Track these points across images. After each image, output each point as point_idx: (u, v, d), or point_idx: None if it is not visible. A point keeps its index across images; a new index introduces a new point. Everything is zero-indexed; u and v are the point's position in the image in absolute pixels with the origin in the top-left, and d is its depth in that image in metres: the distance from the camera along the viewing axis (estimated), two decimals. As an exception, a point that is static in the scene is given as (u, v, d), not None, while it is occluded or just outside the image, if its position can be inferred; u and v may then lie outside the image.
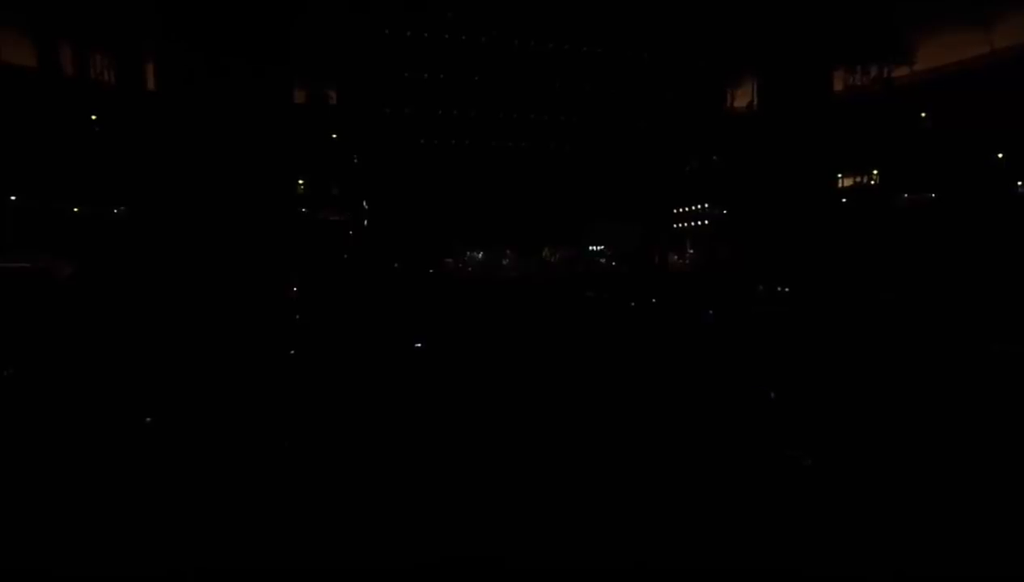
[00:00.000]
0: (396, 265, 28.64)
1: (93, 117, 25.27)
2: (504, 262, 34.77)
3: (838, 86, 29.66)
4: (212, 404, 7.42)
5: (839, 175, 30.30)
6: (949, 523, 4.41)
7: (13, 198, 23.44)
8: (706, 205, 34.88)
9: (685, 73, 31.24)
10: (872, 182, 29.69)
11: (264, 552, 4.15)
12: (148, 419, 6.60)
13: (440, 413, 7.17)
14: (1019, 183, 24.68)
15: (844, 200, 30.32)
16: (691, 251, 34.81)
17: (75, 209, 25.23)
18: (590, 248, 36.10)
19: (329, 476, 5.38)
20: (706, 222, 34.81)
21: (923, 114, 27.34)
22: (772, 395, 6.91)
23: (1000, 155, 24.86)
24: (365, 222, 30.51)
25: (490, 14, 27.44)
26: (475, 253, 34.91)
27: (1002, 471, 5.32)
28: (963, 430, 6.34)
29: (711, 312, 15.35)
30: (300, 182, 29.89)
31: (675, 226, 36.21)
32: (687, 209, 35.97)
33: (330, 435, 6.40)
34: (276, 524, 4.48)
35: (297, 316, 15.49)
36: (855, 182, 30.18)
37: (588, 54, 29.47)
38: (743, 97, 32.60)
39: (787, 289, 19.28)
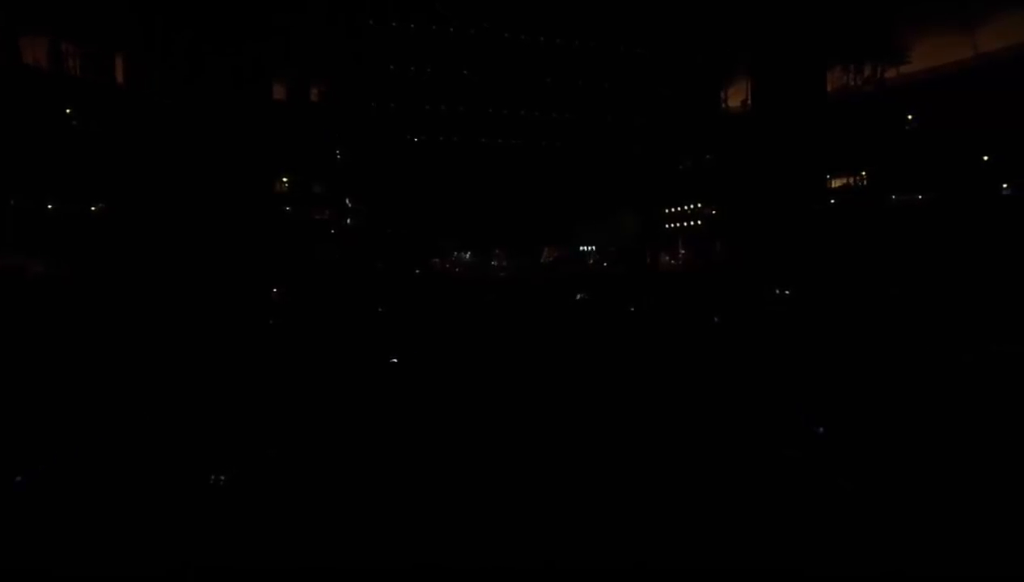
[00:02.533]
0: (379, 265, 28.12)
1: (67, 111, 24.60)
2: (493, 262, 34.44)
3: (831, 86, 29.73)
4: (179, 407, 7.26)
5: (831, 175, 30.36)
6: (949, 521, 4.40)
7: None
8: (699, 205, 34.73)
9: (680, 71, 31.05)
10: (863, 182, 29.73)
11: (231, 551, 4.12)
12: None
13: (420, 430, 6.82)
14: (1004, 185, 24.77)
15: (837, 200, 30.33)
16: (683, 251, 34.63)
17: (48, 206, 24.48)
18: (581, 248, 35.82)
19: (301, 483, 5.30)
20: (698, 222, 34.63)
21: (917, 114, 27.42)
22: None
23: (990, 156, 24.94)
24: (348, 221, 29.95)
25: (480, 6, 26.88)
26: (463, 253, 34.51)
27: (1001, 469, 5.30)
28: (960, 428, 6.36)
29: (716, 319, 15.08)
30: (284, 180, 29.39)
31: (667, 226, 36.00)
32: (679, 209, 35.76)
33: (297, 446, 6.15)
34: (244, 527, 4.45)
35: (271, 321, 15.24)
36: (848, 182, 30.23)
37: (581, 49, 28.94)
38: (737, 96, 32.57)
39: (786, 291, 19.22)
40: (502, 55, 28.16)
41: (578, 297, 20.97)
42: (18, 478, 5.53)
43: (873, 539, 4.20)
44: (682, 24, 29.30)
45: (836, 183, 30.54)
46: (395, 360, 10.44)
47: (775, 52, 29.33)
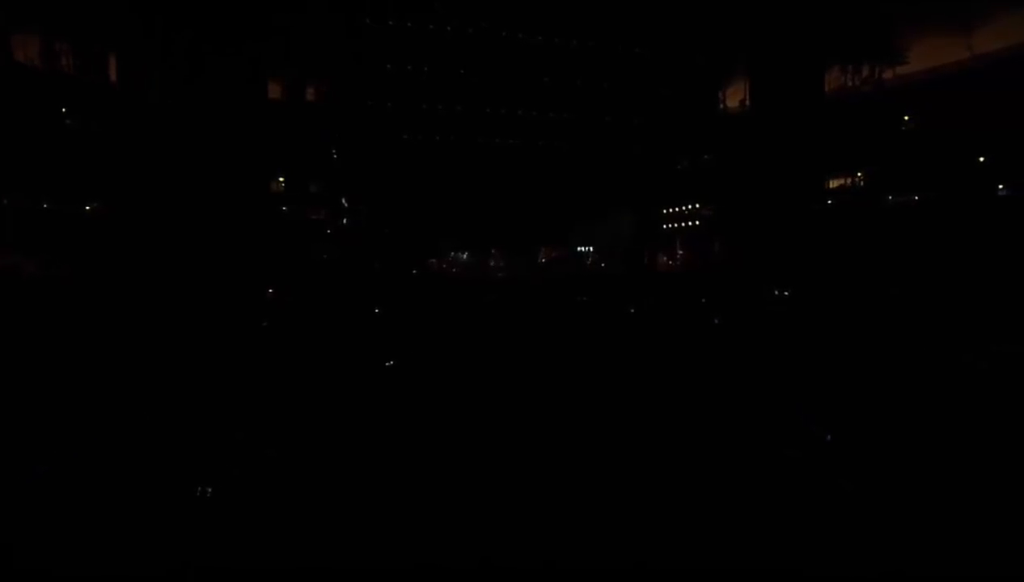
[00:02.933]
0: (376, 265, 28.04)
1: (62, 110, 24.52)
2: (491, 263, 34.36)
3: (829, 86, 29.77)
4: (177, 407, 7.19)
5: (830, 175, 30.43)
6: (949, 521, 4.39)
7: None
8: (696, 205, 34.76)
9: (678, 71, 30.97)
10: (861, 183, 29.80)
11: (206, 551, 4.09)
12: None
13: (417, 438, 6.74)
14: (1000, 186, 24.83)
15: (836, 200, 30.40)
16: (681, 252, 34.63)
17: (43, 206, 24.38)
18: (579, 249, 35.76)
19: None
20: (696, 222, 34.66)
21: (915, 115, 27.50)
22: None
23: (987, 157, 25.02)
24: (344, 221, 29.88)
25: (478, 4, 26.78)
26: (460, 253, 34.41)
27: (1001, 470, 5.30)
28: (960, 428, 6.39)
29: (716, 320, 15.05)
30: (281, 180, 29.31)
31: (665, 226, 36.01)
32: (677, 209, 35.78)
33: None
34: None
35: (268, 321, 15.13)
36: (846, 182, 30.31)
37: (579, 49, 28.77)
38: (735, 96, 32.58)
39: (785, 292, 19.21)
40: (500, 55, 28.09)
41: (581, 299, 20.92)
42: (18, 478, 5.50)
43: (873, 539, 4.19)
44: (681, 24, 29.25)
45: (834, 183, 30.64)
46: (391, 363, 10.29)
47: (773, 52, 29.37)
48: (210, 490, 4.84)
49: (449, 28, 26.86)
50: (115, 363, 9.63)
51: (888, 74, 28.06)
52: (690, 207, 35.22)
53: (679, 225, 35.58)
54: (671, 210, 35.92)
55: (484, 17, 26.97)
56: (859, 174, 29.75)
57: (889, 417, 6.72)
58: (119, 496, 4.80)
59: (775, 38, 29.04)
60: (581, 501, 4.78)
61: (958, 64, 25.77)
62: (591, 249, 35.73)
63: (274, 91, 28.64)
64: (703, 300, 18.88)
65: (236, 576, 3.87)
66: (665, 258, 35.15)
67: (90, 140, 24.78)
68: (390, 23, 26.34)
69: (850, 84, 29.05)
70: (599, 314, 17.28)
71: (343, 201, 29.96)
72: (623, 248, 33.91)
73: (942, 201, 25.36)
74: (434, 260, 33.16)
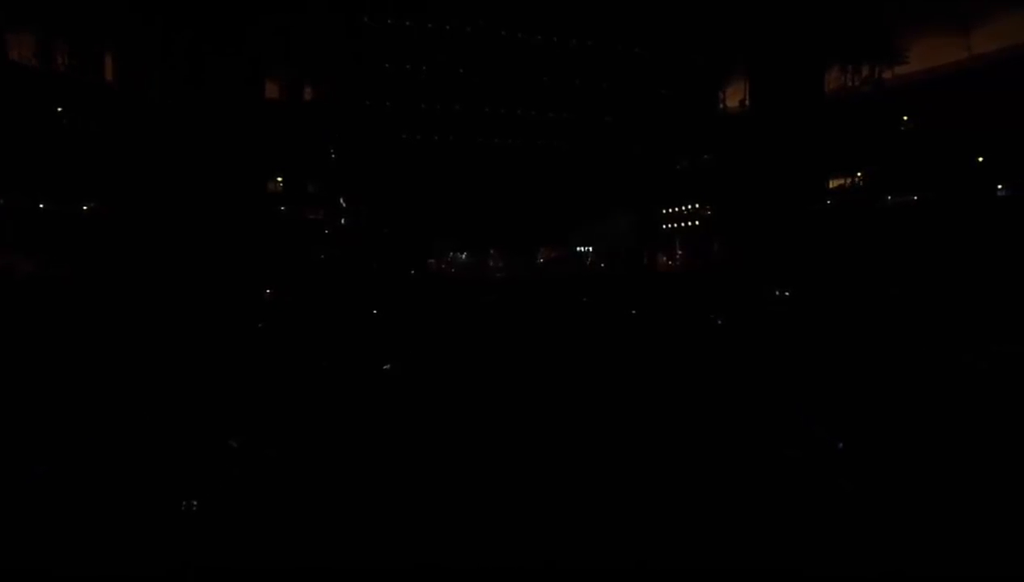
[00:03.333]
0: (374, 266, 28.00)
1: (58, 109, 24.50)
2: (490, 263, 34.35)
3: (829, 86, 29.81)
4: (177, 407, 7.16)
5: (829, 175, 30.47)
6: (949, 521, 4.38)
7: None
8: (696, 205, 34.76)
9: (678, 71, 30.94)
10: (861, 183, 29.84)
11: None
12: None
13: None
14: (999, 186, 24.87)
15: (835, 200, 30.43)
16: (681, 252, 34.65)
17: (39, 206, 24.37)
18: (578, 249, 35.76)
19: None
20: (696, 222, 34.65)
21: (914, 115, 27.54)
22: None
23: (986, 157, 25.06)
24: (343, 221, 29.83)
25: (477, 3, 26.74)
26: (459, 254, 34.40)
27: (1001, 470, 5.29)
28: (960, 428, 6.37)
29: (716, 320, 15.00)
30: (279, 180, 29.28)
31: (665, 226, 36.01)
32: (677, 209, 35.78)
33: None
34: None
35: (266, 322, 15.05)
36: (845, 182, 30.34)
37: (579, 49, 28.73)
38: (735, 96, 32.61)
39: (785, 292, 19.19)
40: (498, 54, 28.02)
41: (583, 300, 20.93)
42: (19, 478, 5.48)
43: (873, 539, 4.18)
44: (681, 24, 29.23)
45: (834, 183, 30.67)
46: (388, 366, 10.21)
47: (773, 52, 29.42)
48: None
49: (447, 27, 26.75)
50: (114, 362, 9.60)
51: (888, 74, 28.09)
52: (690, 207, 35.20)
53: (679, 225, 35.55)
54: (671, 210, 35.89)
55: (482, 16, 26.88)
56: (859, 174, 29.78)
57: (889, 417, 6.70)
58: (119, 496, 4.78)
59: (775, 38, 29.07)
60: (581, 501, 4.77)
61: (957, 64, 25.83)
62: (591, 249, 35.71)
63: (272, 91, 28.63)
64: (703, 300, 18.86)
65: (236, 576, 3.86)
66: (665, 258, 35.14)
67: (88, 140, 24.76)
68: (389, 23, 26.24)
69: (850, 84, 29.10)
70: (599, 315, 17.25)
71: (341, 201, 29.91)
72: (623, 248, 33.92)
73: (942, 201, 25.37)
74: (433, 260, 33.14)
